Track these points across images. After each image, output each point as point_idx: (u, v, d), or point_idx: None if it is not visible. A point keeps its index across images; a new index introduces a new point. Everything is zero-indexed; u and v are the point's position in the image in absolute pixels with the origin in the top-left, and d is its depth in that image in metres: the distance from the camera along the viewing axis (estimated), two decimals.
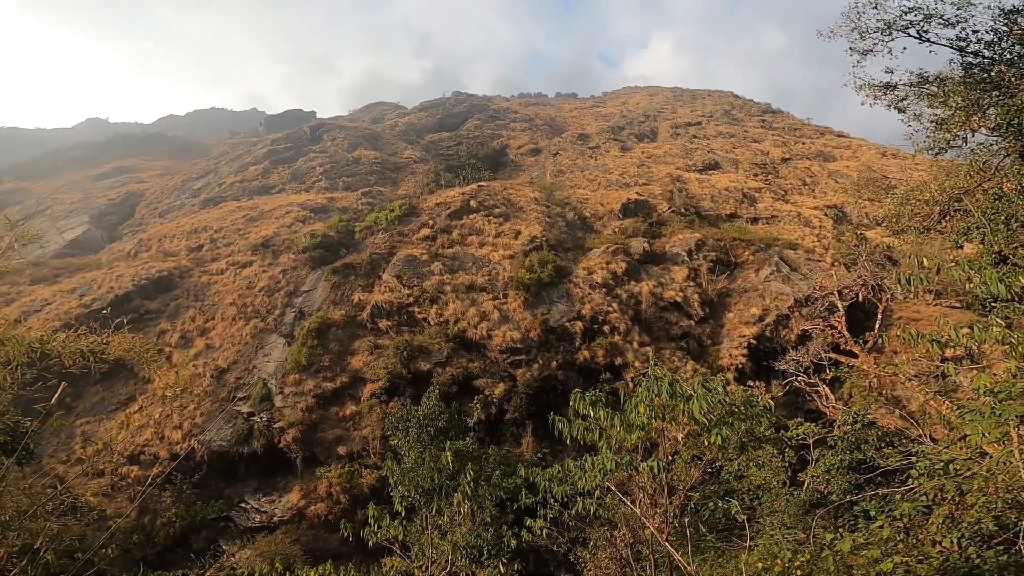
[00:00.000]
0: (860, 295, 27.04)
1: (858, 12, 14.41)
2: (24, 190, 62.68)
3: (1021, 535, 4.19)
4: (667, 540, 7.32)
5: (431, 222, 37.64)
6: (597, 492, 7.77)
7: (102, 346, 12.68)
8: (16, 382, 10.29)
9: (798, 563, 4.88)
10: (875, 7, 14.02)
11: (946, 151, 15.35)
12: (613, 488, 7.80)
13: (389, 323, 28.43)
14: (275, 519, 20.05)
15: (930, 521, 4.34)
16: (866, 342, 23.99)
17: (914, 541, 4.22)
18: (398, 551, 10.10)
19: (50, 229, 47.86)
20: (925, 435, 9.62)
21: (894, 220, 19.05)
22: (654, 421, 7.21)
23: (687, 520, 8.22)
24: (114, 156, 76.96)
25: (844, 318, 26.19)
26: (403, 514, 10.62)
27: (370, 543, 9.63)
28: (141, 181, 65.01)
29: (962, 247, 16.77)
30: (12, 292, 33.76)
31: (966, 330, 5.99)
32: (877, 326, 25.46)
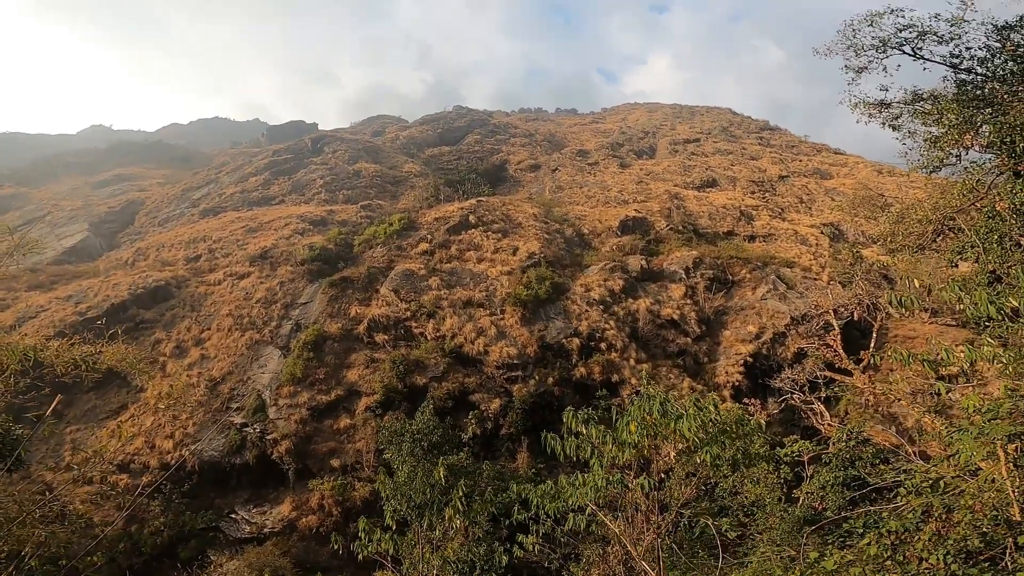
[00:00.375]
0: (855, 314, 27.10)
1: (853, 30, 14.59)
2: (24, 195, 62.83)
3: (1007, 552, 4.19)
4: (660, 556, 7.27)
5: (430, 237, 37.75)
6: (589, 508, 7.73)
7: (95, 355, 12.64)
8: (9, 389, 10.23)
9: None
10: (870, 25, 14.22)
11: (940, 169, 15.48)
12: (597, 510, 7.75)
13: (386, 337, 28.38)
14: (265, 530, 19.82)
15: (916, 538, 4.34)
16: (861, 360, 24.00)
17: (901, 558, 4.22)
18: (389, 565, 10.00)
19: (49, 235, 47.90)
20: (917, 452, 9.62)
21: (889, 239, 19.17)
22: (646, 439, 7.22)
23: (679, 537, 8.17)
24: (115, 163, 77.30)
25: (839, 336, 26.23)
26: (395, 528, 10.53)
27: (360, 556, 9.54)
28: (142, 189, 65.25)
29: (957, 266, 16.85)
30: (8, 298, 33.70)
31: (960, 349, 6.03)
32: (872, 345, 25.49)
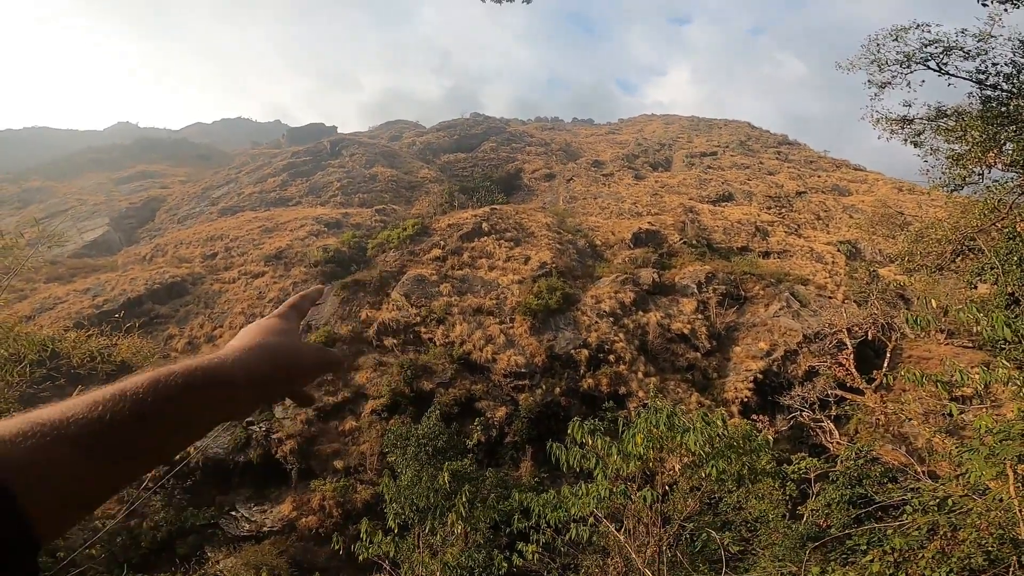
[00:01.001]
0: (870, 333, 26.69)
1: (878, 44, 14.43)
2: (49, 189, 64.22)
3: (1011, 570, 4.09)
4: (659, 569, 7.17)
5: (442, 243, 37.90)
6: (591, 519, 7.65)
7: (110, 348, 12.79)
8: (24, 379, 10.36)
9: None
10: (895, 39, 14.07)
11: (962, 188, 15.23)
12: (603, 519, 7.68)
13: (395, 341, 28.46)
14: (264, 529, 19.83)
15: (920, 556, 4.25)
16: (873, 380, 23.61)
17: (903, 575, 4.13)
18: (388, 567, 9.97)
19: (71, 229, 48.83)
20: (925, 472, 9.43)
21: (907, 258, 18.90)
22: (651, 452, 7.15)
23: (681, 550, 8.06)
24: (139, 160, 78.87)
25: (853, 355, 25.83)
26: (396, 531, 10.50)
27: (360, 558, 9.52)
28: (164, 187, 66.42)
29: (976, 287, 16.55)
30: (26, 289, 34.31)
31: (975, 371, 5.92)
32: (886, 364, 25.06)
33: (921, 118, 15.06)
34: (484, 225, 39.77)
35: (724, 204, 54.21)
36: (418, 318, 29.61)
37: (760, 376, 27.65)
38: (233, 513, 20.66)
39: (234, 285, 35.30)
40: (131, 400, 0.65)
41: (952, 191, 15.40)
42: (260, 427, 23.27)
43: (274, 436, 22.82)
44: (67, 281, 36.19)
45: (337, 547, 9.59)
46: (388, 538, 9.39)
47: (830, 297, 34.01)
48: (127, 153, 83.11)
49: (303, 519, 19.93)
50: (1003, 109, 13.13)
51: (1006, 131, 12.99)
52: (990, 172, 14.35)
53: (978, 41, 12.97)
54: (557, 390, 25.49)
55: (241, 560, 17.10)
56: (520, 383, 25.94)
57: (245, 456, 22.52)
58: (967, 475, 5.08)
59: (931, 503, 5.23)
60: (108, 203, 58.22)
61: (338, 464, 22.09)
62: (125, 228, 53.26)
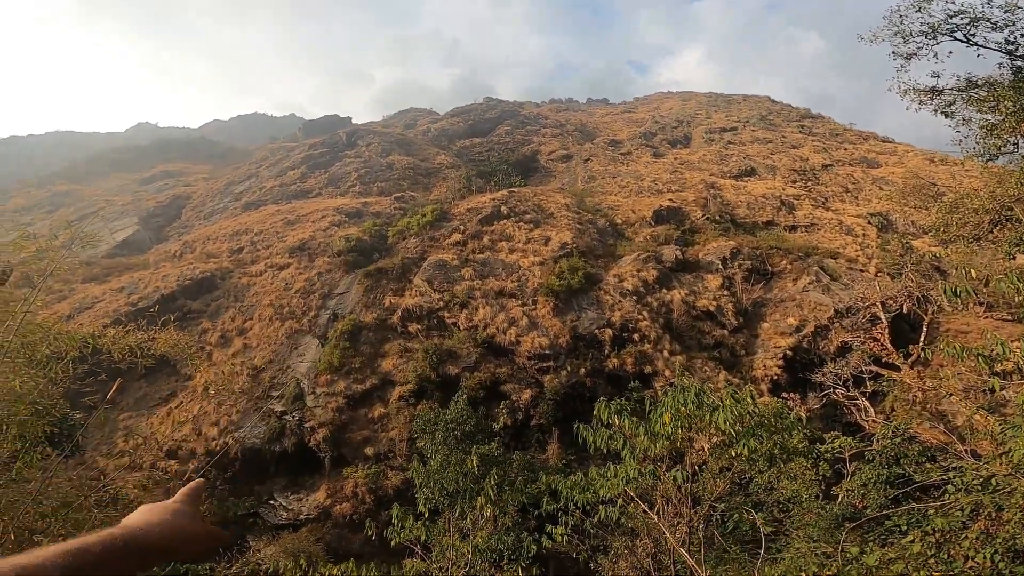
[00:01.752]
0: (905, 307, 25.94)
1: (900, 16, 13.92)
2: (76, 192, 66.05)
3: None
4: (690, 550, 7.16)
5: (462, 227, 37.92)
6: (620, 501, 7.65)
7: (149, 342, 13.18)
8: (67, 376, 10.77)
9: None
10: (918, 10, 13.55)
11: (997, 157, 14.71)
12: (636, 498, 7.67)
13: (419, 327, 28.73)
14: (301, 517, 20.41)
15: (963, 537, 4.14)
16: (910, 355, 22.99)
17: (945, 556, 4.03)
18: (420, 552, 10.16)
19: (102, 230, 50.22)
20: (967, 451, 9.19)
21: (942, 229, 18.35)
22: (680, 431, 7.08)
23: (712, 531, 8.02)
24: (161, 160, 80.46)
25: (887, 330, 25.17)
26: (426, 516, 10.68)
27: (393, 543, 9.70)
28: (188, 184, 67.72)
29: (1014, 258, 15.95)
30: (64, 290, 35.50)
31: (1016, 344, 5.71)
32: (922, 339, 24.37)
33: (951, 89, 14.54)
34: (503, 208, 39.64)
35: (747, 179, 53.02)
36: (441, 303, 29.79)
37: (790, 353, 27.17)
38: (271, 502, 21.30)
39: (261, 278, 35.96)
40: (90, 555, 1.01)
41: (987, 161, 14.88)
42: (293, 416, 23.84)
43: (307, 425, 23.36)
44: (102, 281, 37.33)
45: (370, 533, 9.77)
46: (419, 523, 9.54)
47: (862, 270, 33.13)
48: (148, 153, 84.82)
49: (337, 506, 20.45)
50: None
51: None
52: None
53: (1005, 12, 12.45)
54: (582, 371, 25.49)
55: (280, 548, 17.65)
56: (545, 365, 25.99)
57: (280, 445, 23.13)
58: (1010, 453, 4.92)
59: (974, 483, 5.08)
60: (135, 203, 59.64)
61: (369, 451, 22.53)
62: (154, 227, 54.57)
